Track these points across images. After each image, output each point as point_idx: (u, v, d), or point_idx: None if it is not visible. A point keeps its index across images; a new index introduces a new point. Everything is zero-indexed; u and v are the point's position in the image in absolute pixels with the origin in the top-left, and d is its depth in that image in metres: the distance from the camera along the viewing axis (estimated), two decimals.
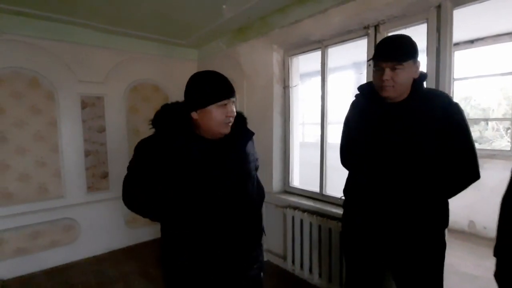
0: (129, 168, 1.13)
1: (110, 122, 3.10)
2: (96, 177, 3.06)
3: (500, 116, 5.52)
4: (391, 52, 1.17)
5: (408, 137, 1.18)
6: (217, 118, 1.06)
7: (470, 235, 3.34)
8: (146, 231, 3.40)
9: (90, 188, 3.02)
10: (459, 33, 3.04)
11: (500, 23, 2.95)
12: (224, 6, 2.42)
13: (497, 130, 5.78)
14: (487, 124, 5.75)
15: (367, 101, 1.34)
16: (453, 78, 1.79)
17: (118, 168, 3.16)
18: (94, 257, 3.02)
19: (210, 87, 1.06)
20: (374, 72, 1.24)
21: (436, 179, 1.18)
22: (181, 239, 1.11)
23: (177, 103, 1.15)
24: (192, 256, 1.11)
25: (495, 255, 0.93)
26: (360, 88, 1.41)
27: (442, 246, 1.24)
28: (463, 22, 2.68)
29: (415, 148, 1.17)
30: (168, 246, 1.16)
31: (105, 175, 3.11)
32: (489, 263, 2.89)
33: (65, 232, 2.89)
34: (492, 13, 2.66)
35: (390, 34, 1.99)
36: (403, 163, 1.19)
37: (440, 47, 1.75)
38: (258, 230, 1.25)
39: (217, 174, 1.08)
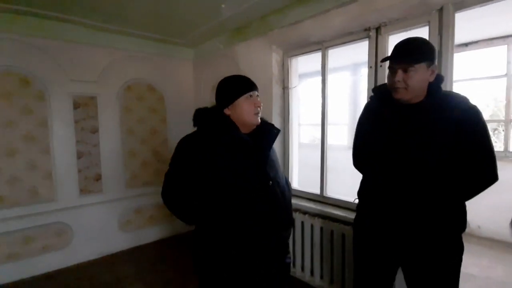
0: (172, 164, 1.20)
1: (103, 123, 3.02)
2: (89, 180, 2.97)
3: (487, 117, 5.66)
4: (403, 54, 1.16)
5: (421, 139, 1.17)
6: (247, 108, 1.20)
7: (465, 234, 3.38)
8: (141, 234, 3.33)
9: (83, 191, 2.93)
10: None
11: (494, 27, 3.00)
12: (223, 5, 2.37)
13: None
14: None
15: (381, 103, 1.32)
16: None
17: (112, 170, 3.08)
18: (88, 262, 2.93)
19: (236, 83, 1.24)
20: (388, 73, 1.24)
21: (452, 181, 1.16)
22: (219, 234, 1.16)
23: (206, 107, 1.26)
24: (236, 248, 1.16)
25: None
26: (374, 90, 1.39)
27: (460, 250, 1.24)
28: (459, 25, 2.71)
29: (429, 150, 1.16)
30: (204, 241, 1.20)
31: (98, 177, 3.02)
32: (485, 262, 2.96)
33: (58, 236, 2.79)
34: (488, 17, 2.71)
35: (391, 36, 1.99)
36: (416, 165, 1.18)
37: (442, 50, 1.76)
38: (291, 221, 1.35)
39: (255, 163, 1.19)
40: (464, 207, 1.24)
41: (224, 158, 1.14)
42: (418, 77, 1.15)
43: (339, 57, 3.71)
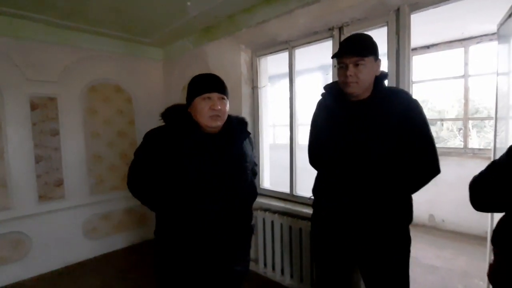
0: (136, 154, 1.24)
1: (64, 125, 2.85)
2: (49, 185, 2.79)
3: (453, 117, 5.97)
4: (353, 48, 1.19)
5: (369, 134, 1.20)
6: (202, 110, 1.16)
7: (430, 228, 3.55)
8: (109, 241, 3.17)
9: (42, 197, 2.74)
10: (416, 38, 3.23)
11: (452, 31, 3.18)
12: (188, 3, 2.33)
13: (451, 130, 6.26)
14: (442, 124, 6.18)
15: (332, 100, 1.35)
16: (412, 81, 1.87)
17: (75, 174, 2.92)
18: (50, 273, 2.74)
19: (197, 83, 1.21)
20: (338, 69, 1.26)
21: (398, 175, 1.19)
22: (174, 230, 1.20)
23: (177, 104, 1.28)
24: (184, 246, 1.19)
25: None
26: (326, 87, 1.42)
27: (407, 241, 1.27)
28: (421, 28, 2.84)
29: (376, 145, 1.19)
30: (162, 236, 1.24)
31: (59, 183, 2.85)
32: (448, 254, 3.08)
33: (14, 247, 2.59)
34: (446, 21, 2.87)
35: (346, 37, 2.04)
36: (365, 160, 1.20)
37: (399, 49, 1.82)
38: (246, 226, 1.34)
39: (211, 163, 1.17)
40: (410, 200, 1.27)
41: (180, 155, 1.15)
42: (367, 71, 1.19)
43: (309, 59, 3.78)
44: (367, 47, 1.19)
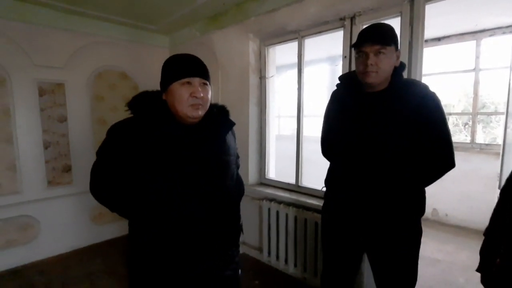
0: (98, 153, 1.06)
1: (72, 111, 2.86)
2: (57, 171, 2.83)
3: (459, 111, 5.89)
4: (375, 36, 1.16)
5: (382, 128, 1.19)
6: (180, 97, 0.99)
7: (434, 222, 3.56)
8: (114, 227, 3.22)
9: (51, 182, 2.78)
10: (428, 30, 3.16)
11: (464, 23, 3.11)
12: None
13: (456, 125, 6.19)
14: (448, 119, 6.10)
15: (347, 91, 1.33)
16: (422, 74, 1.84)
17: (82, 160, 2.94)
18: (57, 256, 2.81)
19: (173, 65, 1.04)
20: (357, 59, 1.23)
21: (411, 168, 1.19)
22: (149, 236, 1.03)
23: (147, 91, 1.10)
24: (161, 254, 1.03)
25: (484, 234, 1.10)
26: (341, 77, 1.39)
27: (418, 234, 1.28)
28: (433, 20, 2.78)
29: (388, 140, 1.18)
30: (136, 243, 1.08)
31: (67, 169, 2.88)
32: (450, 248, 3.09)
33: (22, 230, 2.65)
34: (458, 13, 2.80)
35: (366, 26, 2.00)
36: (379, 153, 1.19)
37: (412, 41, 1.78)
38: (234, 228, 1.19)
39: (190, 160, 1.02)
40: (423, 192, 1.27)
41: (151, 152, 0.98)
42: (388, 61, 1.16)
43: (317, 50, 3.72)
44: (389, 36, 1.16)
